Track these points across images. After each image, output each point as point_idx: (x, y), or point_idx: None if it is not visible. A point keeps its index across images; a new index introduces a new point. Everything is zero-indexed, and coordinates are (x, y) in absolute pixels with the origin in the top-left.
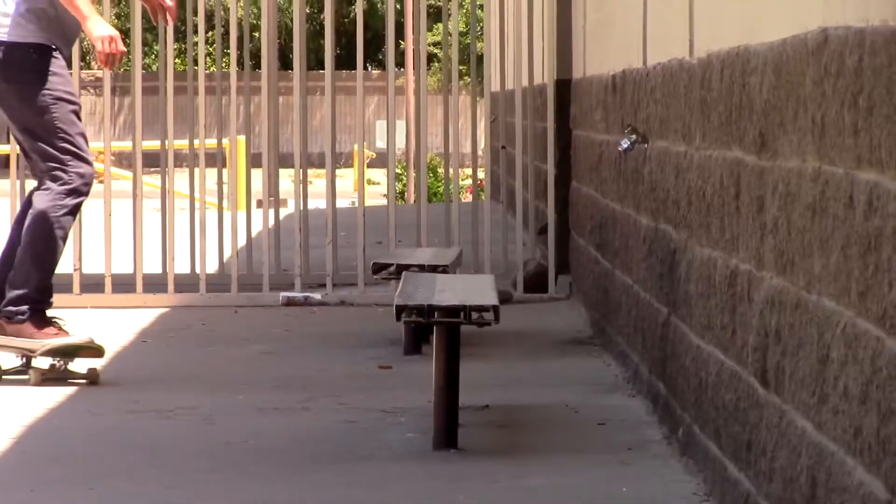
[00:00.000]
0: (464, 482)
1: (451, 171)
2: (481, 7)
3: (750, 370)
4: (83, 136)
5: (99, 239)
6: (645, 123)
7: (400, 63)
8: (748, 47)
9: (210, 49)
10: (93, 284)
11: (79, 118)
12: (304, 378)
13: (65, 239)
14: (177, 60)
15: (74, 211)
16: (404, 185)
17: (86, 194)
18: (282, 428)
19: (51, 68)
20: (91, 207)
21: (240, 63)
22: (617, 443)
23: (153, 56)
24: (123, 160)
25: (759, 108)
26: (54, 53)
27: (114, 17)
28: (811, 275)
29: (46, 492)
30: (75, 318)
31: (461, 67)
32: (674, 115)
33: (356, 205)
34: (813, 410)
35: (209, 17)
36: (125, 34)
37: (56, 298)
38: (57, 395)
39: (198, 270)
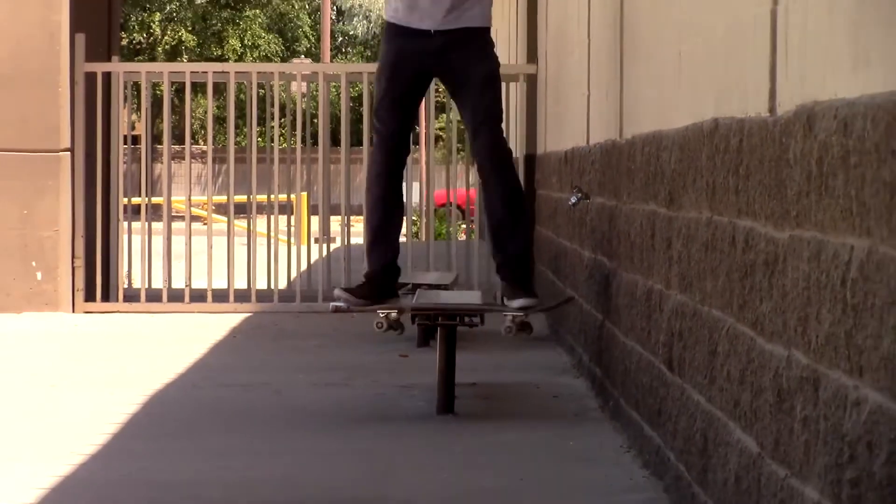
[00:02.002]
0: (458, 436)
1: (450, 218)
2: None
3: (660, 359)
4: None
5: (202, 264)
6: (587, 185)
7: (415, 142)
8: (661, 132)
9: (282, 131)
10: (198, 296)
11: None
12: (346, 363)
13: None
14: (259, 139)
15: None
16: (418, 228)
17: None
18: (330, 398)
19: None
20: (196, 242)
21: (303, 141)
22: (566, 410)
23: (242, 135)
24: (220, 209)
25: (668, 175)
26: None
27: (215, 108)
28: (704, 292)
29: (163, 441)
30: (186, 321)
31: (458, 145)
32: (608, 179)
33: None
34: (705, 388)
35: (282, 108)
36: (222, 121)
37: (171, 306)
38: (170, 374)
39: (272, 286)
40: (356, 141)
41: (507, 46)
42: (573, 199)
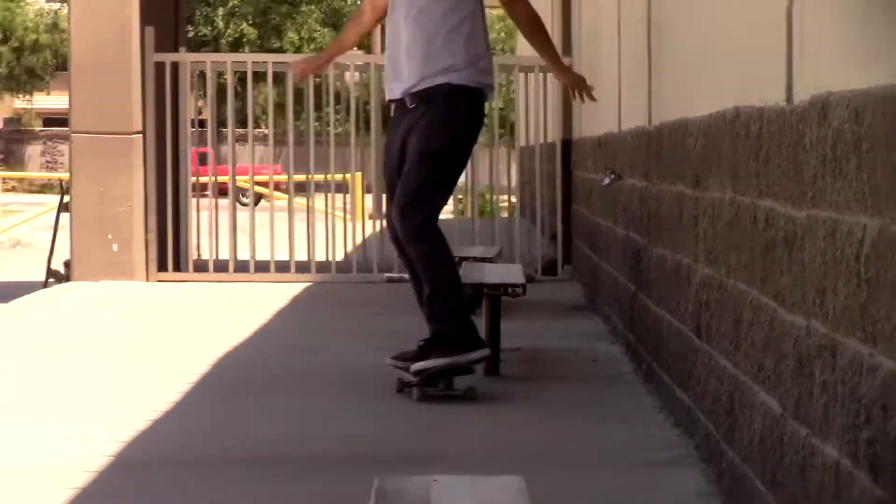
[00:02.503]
0: (504, 397)
1: (494, 197)
2: (513, 91)
3: (689, 327)
4: None
5: (266, 237)
6: (620, 167)
7: None
8: (686, 119)
9: (337, 116)
10: (262, 267)
11: None
12: (399, 329)
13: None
14: (316, 123)
15: None
16: (464, 206)
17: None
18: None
19: None
20: (260, 218)
21: (356, 125)
22: (603, 373)
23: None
24: (281, 187)
25: (694, 159)
26: None
27: (275, 96)
28: (729, 266)
29: (231, 401)
30: (251, 289)
31: (500, 130)
32: (638, 162)
33: None
34: (731, 354)
35: (336, 95)
36: (282, 107)
37: (237, 276)
38: (237, 338)
39: (330, 258)
40: None
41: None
42: (607, 180)
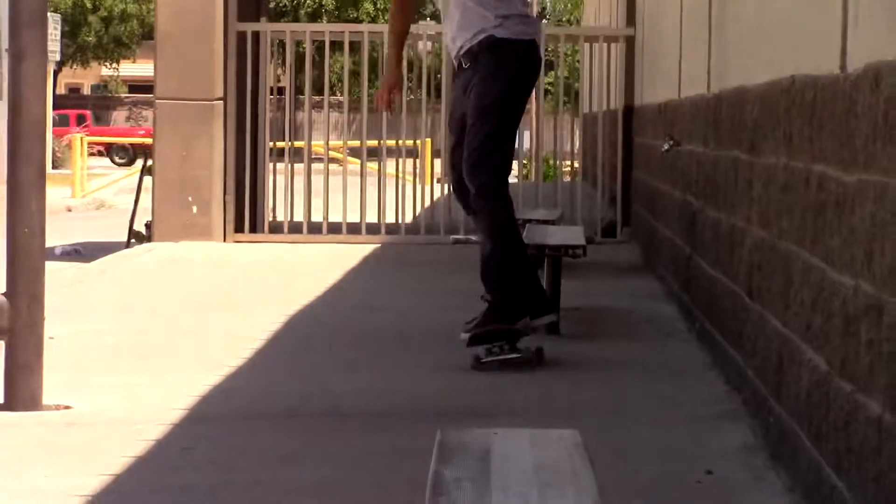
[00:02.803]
0: (563, 351)
1: (557, 162)
2: (578, 61)
3: (741, 288)
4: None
5: (338, 200)
6: (678, 134)
7: None
8: (744, 87)
9: (409, 84)
10: (334, 228)
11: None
12: (464, 288)
13: None
14: None
15: None
16: (528, 170)
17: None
18: (450, 319)
19: None
20: (333, 181)
21: (427, 93)
22: (658, 331)
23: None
24: (354, 153)
25: (750, 125)
26: None
27: (351, 64)
28: (781, 229)
29: (302, 355)
30: (324, 250)
31: (565, 98)
32: (696, 129)
33: None
34: (780, 313)
35: (409, 64)
36: (357, 75)
37: (310, 237)
38: (310, 296)
39: (400, 221)
40: None
41: (608, 12)
42: (665, 146)
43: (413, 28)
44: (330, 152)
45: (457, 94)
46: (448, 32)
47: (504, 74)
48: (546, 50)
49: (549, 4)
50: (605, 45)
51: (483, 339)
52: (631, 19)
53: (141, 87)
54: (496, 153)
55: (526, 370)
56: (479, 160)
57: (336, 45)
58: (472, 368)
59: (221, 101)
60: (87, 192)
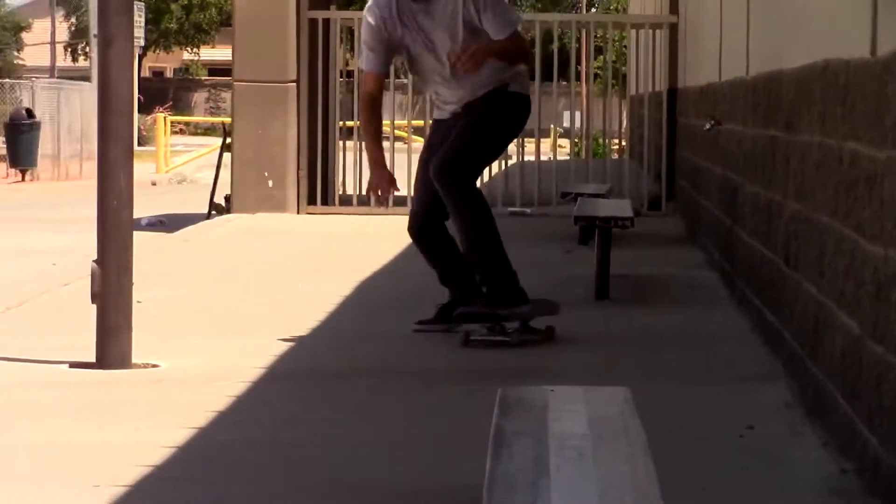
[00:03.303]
0: (613, 315)
1: (606, 140)
2: (625, 46)
3: (779, 257)
4: None
5: (404, 175)
6: (719, 114)
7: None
8: (781, 70)
9: None
10: (399, 202)
11: None
12: (521, 257)
13: None
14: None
15: None
16: (579, 147)
17: None
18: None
19: None
20: (399, 158)
21: None
22: (700, 298)
23: None
24: (418, 131)
25: (786, 106)
26: None
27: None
28: (815, 202)
29: (371, 318)
30: (389, 221)
31: (613, 81)
32: (736, 109)
33: (552, 159)
34: (816, 281)
35: None
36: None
37: (377, 210)
38: (377, 264)
39: None
40: (546, 76)
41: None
42: (707, 126)
43: None
44: (395, 131)
45: (435, 138)
46: (445, 94)
47: (502, 116)
48: (595, 36)
49: None
50: (650, 31)
51: (469, 318)
52: (674, 7)
53: (220, 70)
54: (470, 163)
55: (576, 332)
56: (453, 162)
57: None
58: (462, 345)
59: (294, 84)
60: (171, 168)
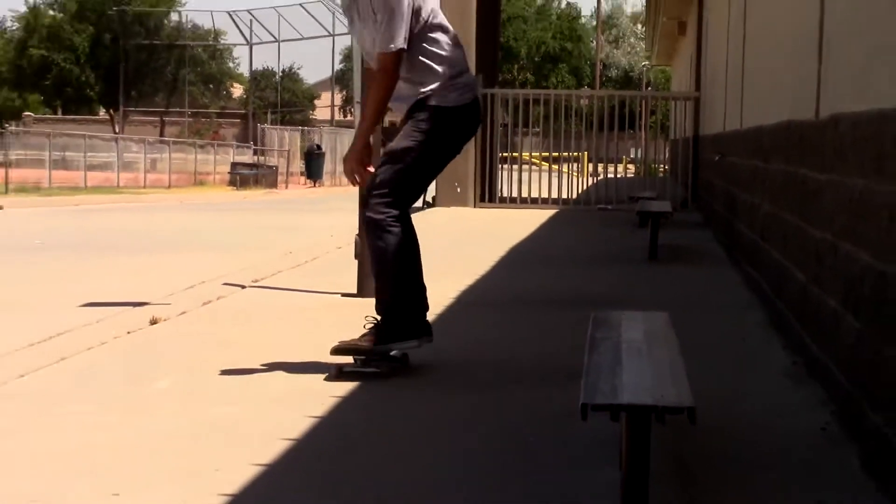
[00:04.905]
0: (659, 272)
1: (656, 164)
2: (668, 109)
3: (758, 236)
4: None
5: (536, 185)
6: (725, 150)
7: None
8: (762, 125)
9: (571, 127)
10: (533, 200)
11: None
12: (602, 235)
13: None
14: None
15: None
16: (640, 170)
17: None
18: (593, 250)
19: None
20: (534, 175)
21: (586, 129)
22: (712, 259)
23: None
24: (545, 159)
25: (764, 147)
26: None
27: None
28: (781, 205)
29: (515, 270)
30: (530, 212)
31: (660, 131)
32: (736, 149)
33: (624, 175)
34: (780, 251)
35: (567, 113)
36: (546, 118)
37: (523, 206)
38: (520, 237)
39: (569, 196)
40: (621, 128)
41: (685, 82)
42: (717, 158)
43: (577, 93)
44: (532, 159)
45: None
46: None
47: (423, 133)
48: (652, 104)
49: (651, 79)
50: (683, 101)
51: (346, 352)
52: (697, 86)
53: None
54: (399, 191)
55: (639, 276)
56: (382, 195)
57: (535, 101)
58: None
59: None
60: None
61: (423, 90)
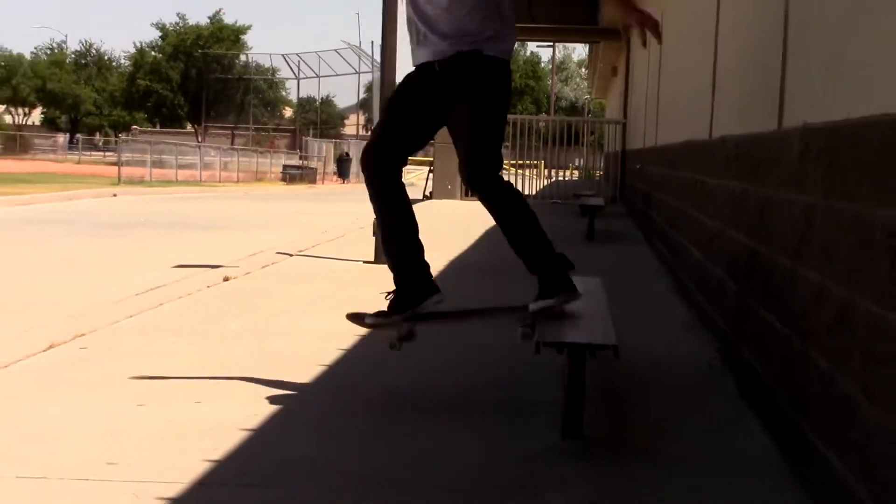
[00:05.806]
0: (594, 248)
1: (594, 170)
2: (603, 131)
3: (666, 225)
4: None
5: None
6: (642, 161)
7: (583, 144)
8: (672, 143)
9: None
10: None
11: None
12: (550, 221)
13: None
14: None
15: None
16: (581, 174)
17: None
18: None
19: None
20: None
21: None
22: (633, 239)
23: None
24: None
25: (670, 159)
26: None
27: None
28: (684, 201)
29: (493, 246)
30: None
31: (598, 146)
32: (652, 160)
33: (570, 178)
34: (682, 233)
35: (533, 131)
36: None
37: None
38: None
39: (527, 192)
40: (568, 143)
41: (617, 109)
42: (637, 166)
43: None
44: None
45: (407, 100)
46: (437, 17)
47: (491, 96)
48: (592, 127)
49: (591, 108)
50: (615, 125)
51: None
52: (625, 114)
53: None
54: (492, 156)
55: (587, 252)
56: (482, 164)
57: (507, 123)
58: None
59: None
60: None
61: (485, 34)
